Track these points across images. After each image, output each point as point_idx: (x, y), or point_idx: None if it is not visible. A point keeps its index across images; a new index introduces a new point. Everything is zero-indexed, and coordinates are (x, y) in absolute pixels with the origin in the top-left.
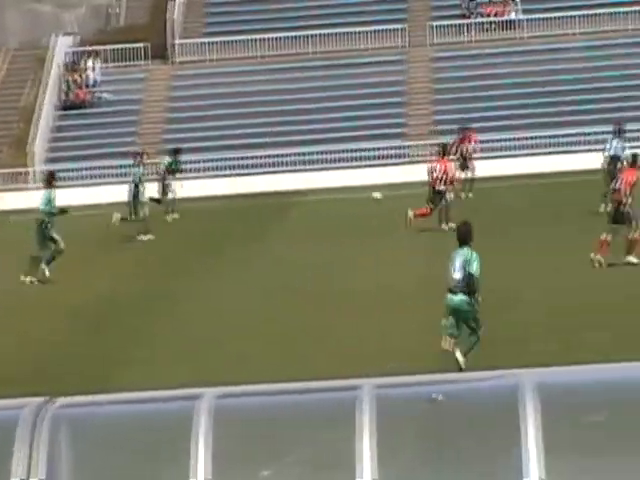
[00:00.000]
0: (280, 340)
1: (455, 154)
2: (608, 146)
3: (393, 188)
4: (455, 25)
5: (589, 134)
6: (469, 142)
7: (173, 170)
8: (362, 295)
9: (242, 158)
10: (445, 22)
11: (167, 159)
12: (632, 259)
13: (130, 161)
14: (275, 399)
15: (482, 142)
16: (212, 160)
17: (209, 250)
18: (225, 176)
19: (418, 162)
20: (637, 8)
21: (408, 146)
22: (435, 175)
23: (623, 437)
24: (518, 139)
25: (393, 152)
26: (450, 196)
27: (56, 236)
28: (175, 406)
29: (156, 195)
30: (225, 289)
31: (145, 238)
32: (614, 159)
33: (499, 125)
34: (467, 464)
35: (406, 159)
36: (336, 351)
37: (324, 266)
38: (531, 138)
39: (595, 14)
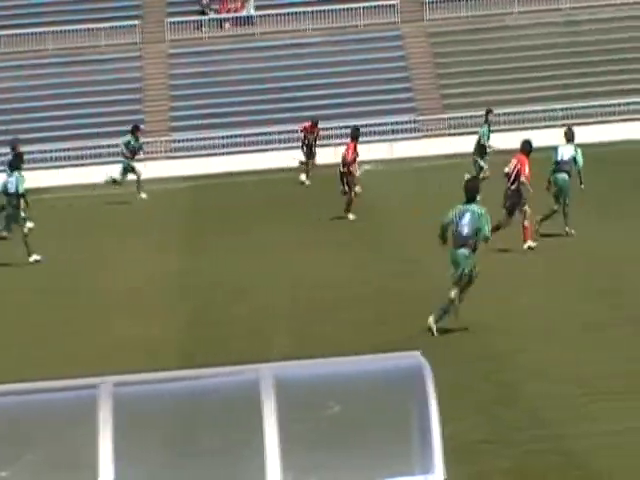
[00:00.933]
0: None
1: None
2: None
3: (132, 184)
4: (191, 21)
5: (330, 128)
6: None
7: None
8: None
9: None
10: (181, 18)
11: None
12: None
13: None
14: (14, 399)
15: (222, 138)
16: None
17: None
18: None
19: (155, 159)
20: (368, 4)
21: (146, 142)
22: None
23: (356, 428)
24: (247, 135)
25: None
26: None
27: None
28: None
29: None
30: None
31: None
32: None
33: (235, 121)
34: (210, 460)
35: (142, 156)
36: (72, 352)
37: (73, 264)
38: (267, 134)
39: (328, 10)
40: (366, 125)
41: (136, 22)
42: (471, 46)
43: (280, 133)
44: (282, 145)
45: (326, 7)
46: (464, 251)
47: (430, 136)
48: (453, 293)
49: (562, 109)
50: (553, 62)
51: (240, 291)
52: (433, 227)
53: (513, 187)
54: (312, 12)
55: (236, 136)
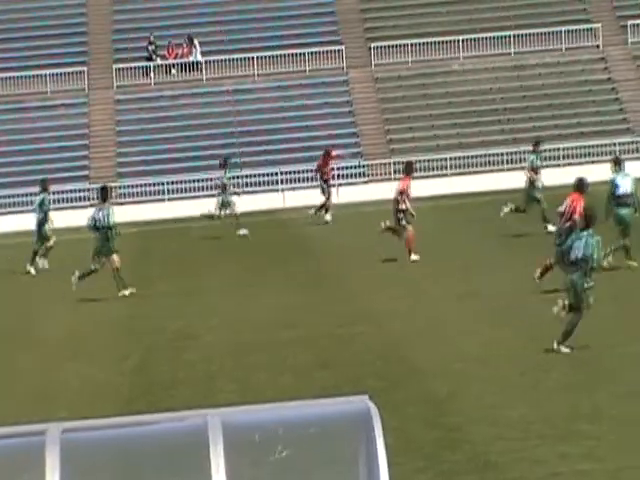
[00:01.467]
0: None
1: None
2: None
3: (73, 232)
4: (138, 67)
5: (276, 174)
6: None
7: None
8: None
9: None
10: (128, 64)
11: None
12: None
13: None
14: None
15: (169, 183)
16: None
17: None
18: None
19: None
20: (314, 49)
21: (90, 189)
22: None
23: (304, 473)
24: (195, 181)
25: (78, 195)
26: None
27: None
28: None
29: None
30: None
31: None
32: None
33: (182, 167)
34: None
35: (87, 202)
36: (17, 394)
37: (19, 307)
38: (216, 179)
39: (275, 55)
40: (312, 170)
41: (83, 68)
42: (417, 91)
43: (229, 179)
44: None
45: (272, 53)
46: (578, 274)
47: (376, 181)
48: (563, 314)
49: (508, 153)
50: (499, 106)
51: (187, 336)
52: (381, 273)
53: (567, 225)
54: (258, 57)
55: (183, 182)
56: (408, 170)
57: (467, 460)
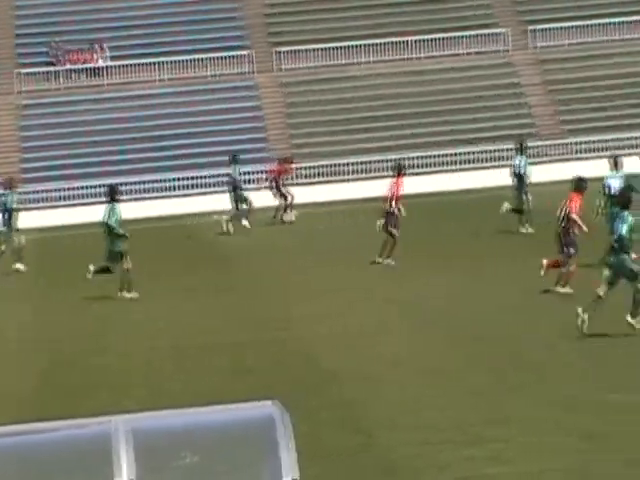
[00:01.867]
0: None
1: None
2: (516, 162)
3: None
4: (42, 72)
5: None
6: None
7: None
8: None
9: None
10: (32, 69)
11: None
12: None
13: None
14: None
15: (75, 189)
16: None
17: None
18: None
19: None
20: (220, 54)
21: None
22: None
23: (212, 478)
24: (100, 186)
25: None
26: None
27: None
28: None
29: None
30: None
31: None
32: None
33: (88, 172)
34: None
35: None
36: None
37: None
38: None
39: (178, 60)
40: (217, 175)
41: None
42: (320, 96)
43: (136, 184)
44: (143, 195)
45: (178, 58)
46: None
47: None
48: (602, 291)
49: (410, 158)
50: (400, 112)
51: (98, 342)
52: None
53: (563, 226)
54: (164, 62)
55: (90, 187)
56: (400, 170)
57: (374, 465)
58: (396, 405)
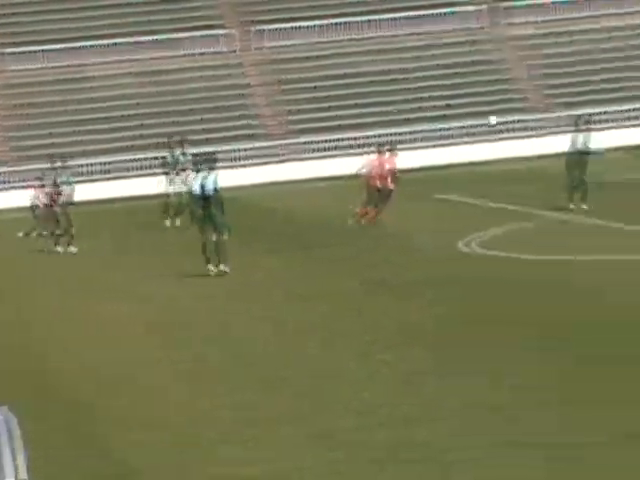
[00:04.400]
0: None
1: None
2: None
3: None
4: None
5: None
6: None
7: None
8: None
9: None
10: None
11: None
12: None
13: None
14: None
15: None
16: None
17: None
18: None
19: None
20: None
21: None
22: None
23: None
24: None
25: None
26: None
27: None
28: None
29: None
30: None
31: None
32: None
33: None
34: None
35: None
36: None
37: None
38: None
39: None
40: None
41: None
42: (55, 97)
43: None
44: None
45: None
46: None
47: None
48: None
49: (146, 158)
50: (138, 112)
51: None
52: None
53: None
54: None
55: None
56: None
57: (114, 467)
58: (132, 407)
